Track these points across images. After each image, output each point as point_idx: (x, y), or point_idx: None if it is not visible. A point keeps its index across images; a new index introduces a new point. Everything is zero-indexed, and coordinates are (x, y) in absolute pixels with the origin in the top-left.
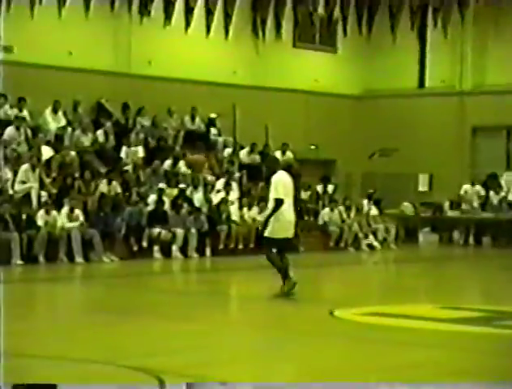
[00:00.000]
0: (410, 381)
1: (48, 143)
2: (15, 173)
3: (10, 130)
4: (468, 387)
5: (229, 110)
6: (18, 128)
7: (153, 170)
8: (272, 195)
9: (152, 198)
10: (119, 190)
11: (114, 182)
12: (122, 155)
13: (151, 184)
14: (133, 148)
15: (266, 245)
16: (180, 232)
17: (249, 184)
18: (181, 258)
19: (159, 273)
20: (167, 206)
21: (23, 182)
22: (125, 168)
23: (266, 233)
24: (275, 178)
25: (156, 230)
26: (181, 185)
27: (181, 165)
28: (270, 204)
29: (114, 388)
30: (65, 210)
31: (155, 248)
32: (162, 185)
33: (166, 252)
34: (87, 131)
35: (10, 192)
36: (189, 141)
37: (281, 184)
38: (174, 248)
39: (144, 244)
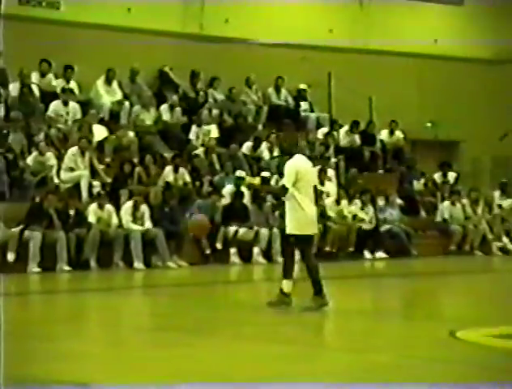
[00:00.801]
0: None
1: (101, 122)
2: (61, 159)
3: (55, 106)
4: (469, 387)
5: (324, 79)
6: (65, 103)
7: (229, 154)
8: (283, 181)
9: (228, 188)
10: (188, 178)
11: (182, 169)
12: (191, 136)
13: (226, 171)
14: (204, 127)
15: (289, 243)
16: (263, 231)
17: (348, 172)
18: (264, 263)
19: (236, 282)
20: (247, 199)
21: (71, 169)
22: (196, 151)
23: (290, 230)
24: (289, 164)
25: (233, 229)
26: (265, 173)
27: (264, 148)
28: (293, 202)
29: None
30: (128, 206)
31: (232, 251)
32: (240, 172)
33: (245, 256)
34: (148, 107)
35: (56, 181)
36: (273, 118)
37: (294, 171)
38: (255, 251)
39: (218, 246)
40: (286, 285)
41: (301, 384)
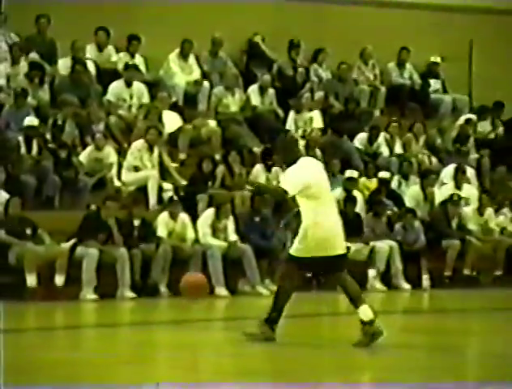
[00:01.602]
0: None
1: (173, 107)
2: (123, 155)
3: (116, 87)
4: (469, 387)
5: (463, 51)
6: (128, 84)
7: (337, 148)
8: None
9: (336, 193)
10: None
11: (276, 168)
12: (289, 125)
13: (333, 171)
14: (306, 114)
15: (291, 266)
16: (381, 247)
17: (495, 172)
18: (382, 289)
19: (346, 314)
20: (360, 206)
21: (136, 169)
22: None
23: (293, 251)
24: (293, 169)
25: None
26: (383, 174)
27: (382, 141)
28: (305, 214)
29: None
30: (207, 215)
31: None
32: (352, 172)
33: (358, 279)
34: (233, 88)
35: (116, 184)
36: (394, 101)
37: (302, 178)
38: (371, 273)
39: None
40: (363, 313)
41: None
